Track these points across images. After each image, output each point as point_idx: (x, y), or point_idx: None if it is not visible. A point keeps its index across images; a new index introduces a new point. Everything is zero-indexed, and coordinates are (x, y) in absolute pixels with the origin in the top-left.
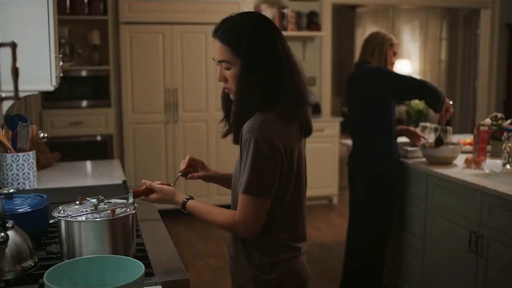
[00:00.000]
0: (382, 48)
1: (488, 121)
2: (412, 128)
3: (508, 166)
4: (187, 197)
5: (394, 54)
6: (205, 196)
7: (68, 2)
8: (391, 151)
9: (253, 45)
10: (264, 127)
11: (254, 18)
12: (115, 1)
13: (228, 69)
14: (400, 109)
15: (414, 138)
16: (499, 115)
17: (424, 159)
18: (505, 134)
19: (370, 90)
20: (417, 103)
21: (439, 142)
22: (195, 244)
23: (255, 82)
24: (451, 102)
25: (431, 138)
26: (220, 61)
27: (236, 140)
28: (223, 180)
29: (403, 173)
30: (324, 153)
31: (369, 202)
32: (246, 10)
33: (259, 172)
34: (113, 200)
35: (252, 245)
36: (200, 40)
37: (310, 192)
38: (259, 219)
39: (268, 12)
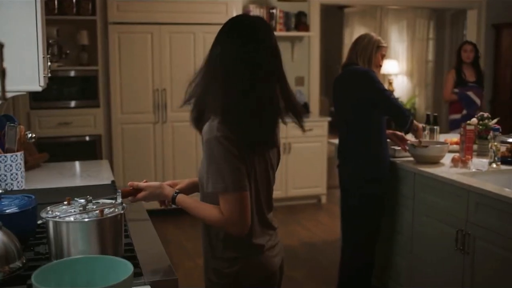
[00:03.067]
0: (367, 50)
1: (474, 120)
2: (398, 132)
3: (494, 165)
4: (176, 191)
5: (382, 57)
6: (194, 196)
7: (56, 2)
8: (383, 155)
9: (214, 49)
10: (220, 126)
11: (229, 22)
12: (104, 1)
13: None
14: None
15: (401, 142)
16: (485, 114)
17: (411, 159)
18: (491, 133)
19: (357, 92)
20: (405, 103)
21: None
22: (184, 244)
23: (208, 84)
24: (422, 125)
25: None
26: None
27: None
28: (191, 188)
29: (391, 173)
30: (313, 153)
31: (362, 206)
32: (234, 10)
33: (227, 169)
34: (101, 201)
35: (216, 239)
36: (188, 40)
37: (298, 191)
38: (244, 213)
39: (257, 12)
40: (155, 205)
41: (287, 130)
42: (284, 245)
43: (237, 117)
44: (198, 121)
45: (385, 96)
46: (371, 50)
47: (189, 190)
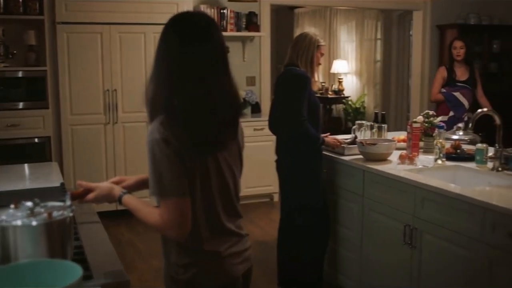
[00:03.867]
0: (309, 51)
1: (420, 118)
2: (327, 139)
3: (439, 161)
4: (124, 191)
5: (321, 55)
6: (146, 197)
7: (2, 1)
8: (316, 158)
9: (158, 49)
10: (161, 128)
11: (171, 20)
12: (52, 0)
13: None
14: (338, 107)
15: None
16: (431, 112)
17: (361, 156)
18: (436, 130)
19: (288, 94)
20: (354, 102)
21: (353, 143)
22: (137, 245)
23: (156, 84)
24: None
25: (366, 136)
26: None
27: None
28: (140, 185)
29: (341, 170)
30: (264, 152)
31: (303, 211)
32: (185, 10)
33: (166, 174)
34: (50, 203)
35: (171, 245)
36: (139, 40)
37: (251, 190)
38: (184, 219)
39: (208, 12)
40: (108, 207)
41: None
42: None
43: (180, 116)
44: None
45: (297, 110)
46: (312, 51)
47: (137, 187)
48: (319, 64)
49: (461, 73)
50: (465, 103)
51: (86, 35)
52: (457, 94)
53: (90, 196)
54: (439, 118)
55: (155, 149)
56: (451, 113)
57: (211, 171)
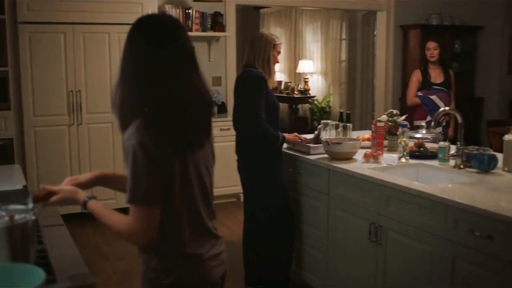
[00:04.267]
0: (265, 51)
1: (384, 117)
2: (288, 136)
3: (403, 159)
4: (88, 196)
5: (278, 53)
6: (112, 199)
7: None
8: (275, 158)
9: (125, 53)
10: (139, 133)
11: (136, 23)
12: (13, 0)
13: None
14: (304, 107)
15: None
16: (395, 111)
17: (326, 155)
18: (400, 129)
19: (245, 96)
20: (320, 102)
21: (317, 141)
22: (103, 248)
23: (124, 89)
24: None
25: (332, 135)
26: None
27: None
28: (93, 182)
29: (307, 169)
30: (231, 152)
31: (266, 211)
32: (150, 10)
33: (139, 180)
34: (11, 206)
35: (151, 250)
36: (103, 40)
37: (218, 190)
38: (151, 228)
39: (172, 12)
40: (73, 209)
41: None
42: None
43: (154, 120)
44: (124, 128)
45: (254, 111)
46: (268, 51)
47: (88, 184)
48: (277, 62)
49: (436, 75)
50: (442, 106)
51: (49, 35)
52: (433, 97)
53: (53, 199)
54: (403, 117)
55: (131, 155)
56: (429, 118)
57: (191, 171)
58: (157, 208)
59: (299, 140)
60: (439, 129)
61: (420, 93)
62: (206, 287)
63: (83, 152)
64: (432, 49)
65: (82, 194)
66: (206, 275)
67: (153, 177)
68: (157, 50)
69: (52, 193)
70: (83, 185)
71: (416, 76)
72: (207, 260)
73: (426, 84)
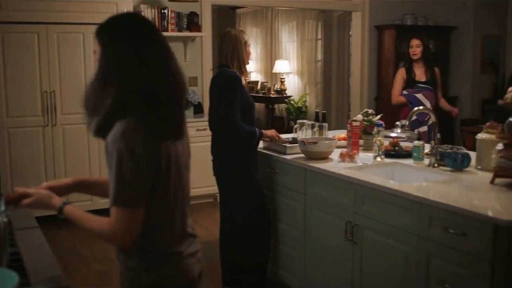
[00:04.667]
0: (239, 51)
1: (360, 116)
2: (265, 131)
3: (378, 159)
4: (64, 202)
5: (248, 53)
6: (88, 200)
7: None
8: (249, 158)
9: (102, 55)
10: (125, 136)
11: (107, 23)
12: None
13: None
14: (280, 107)
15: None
16: (370, 111)
17: (302, 155)
18: (375, 128)
19: (220, 97)
20: (296, 102)
21: (294, 141)
22: (80, 250)
23: (105, 90)
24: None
25: (308, 135)
26: (94, 51)
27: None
28: (70, 188)
29: (283, 169)
30: (207, 152)
31: (242, 211)
32: (125, 10)
33: (125, 184)
34: None
35: (132, 250)
36: (78, 40)
37: (195, 191)
38: (132, 230)
39: (148, 12)
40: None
41: None
42: None
43: (138, 120)
44: (101, 131)
45: (229, 110)
46: (242, 50)
47: (66, 190)
48: (249, 59)
49: (421, 74)
50: (428, 105)
51: (22, 35)
52: (419, 95)
53: (27, 201)
54: (378, 117)
55: (117, 158)
56: (414, 117)
57: (174, 165)
58: (141, 210)
59: (277, 136)
60: (424, 128)
61: (405, 92)
62: (186, 284)
63: (58, 153)
64: (415, 47)
65: (58, 200)
66: (185, 273)
67: (138, 180)
68: (138, 51)
69: (25, 196)
70: (61, 191)
71: (401, 75)
72: (185, 258)
73: (410, 83)
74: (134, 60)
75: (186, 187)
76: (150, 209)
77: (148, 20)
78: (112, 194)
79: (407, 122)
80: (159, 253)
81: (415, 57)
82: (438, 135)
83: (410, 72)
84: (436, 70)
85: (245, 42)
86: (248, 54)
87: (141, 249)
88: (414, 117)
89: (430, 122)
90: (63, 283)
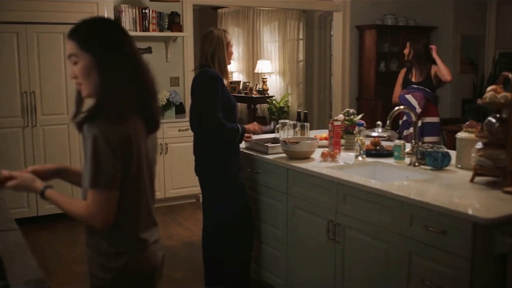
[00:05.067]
0: (221, 51)
1: (341, 116)
2: (247, 125)
3: (360, 158)
4: (46, 185)
5: (230, 54)
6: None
7: None
8: (230, 159)
9: (101, 49)
10: (101, 125)
11: (103, 23)
12: None
13: (75, 63)
14: (263, 107)
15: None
16: (351, 110)
17: (284, 155)
18: (356, 128)
19: (202, 97)
20: (279, 102)
21: (275, 141)
22: (60, 252)
23: (103, 83)
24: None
25: (289, 134)
26: (68, 56)
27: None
28: (53, 174)
29: (265, 169)
30: (189, 152)
31: (224, 212)
32: (105, 10)
33: (100, 166)
34: None
35: (101, 235)
36: (58, 40)
37: (177, 191)
38: (110, 210)
39: (129, 12)
40: (28, 213)
41: (163, 131)
42: (164, 246)
43: (114, 112)
44: (82, 124)
45: (211, 110)
46: (222, 51)
47: (49, 175)
48: (230, 63)
49: (418, 75)
50: (416, 105)
51: (1, 35)
52: (408, 96)
53: (11, 183)
54: (359, 116)
55: (96, 144)
56: (405, 118)
57: (144, 158)
58: (116, 192)
59: (259, 129)
60: (411, 130)
61: (402, 93)
62: (151, 269)
63: (38, 154)
64: (406, 48)
65: (40, 183)
66: (151, 258)
67: (113, 163)
68: (113, 54)
69: (10, 178)
70: (44, 175)
71: (401, 75)
72: (151, 245)
73: (406, 83)
74: (109, 66)
75: (154, 175)
76: (120, 197)
77: (119, 24)
78: (89, 178)
79: (388, 122)
80: (127, 239)
81: (405, 58)
82: None
83: (408, 73)
84: (432, 69)
85: (228, 43)
86: (230, 54)
87: (111, 235)
88: (404, 118)
89: (420, 124)
90: (44, 285)
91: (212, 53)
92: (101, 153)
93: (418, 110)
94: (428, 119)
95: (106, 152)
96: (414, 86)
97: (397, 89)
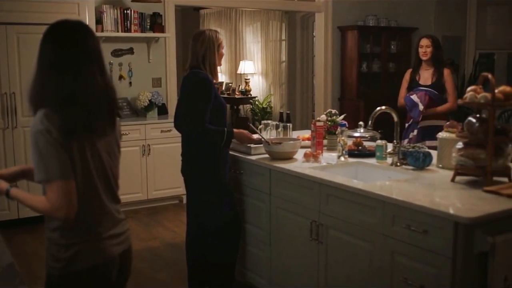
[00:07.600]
0: (211, 53)
1: (323, 117)
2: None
3: (342, 158)
4: (10, 185)
5: (221, 55)
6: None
7: None
8: (217, 159)
9: (39, 53)
10: (43, 119)
11: (50, 28)
12: None
13: None
14: (245, 108)
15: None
16: (333, 111)
17: (267, 155)
18: (338, 128)
19: (191, 99)
20: (261, 102)
21: (259, 142)
22: (42, 254)
23: (36, 84)
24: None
25: (272, 135)
26: None
27: None
28: (18, 175)
29: (248, 170)
30: (172, 153)
31: (210, 214)
32: (86, 10)
33: (47, 159)
34: None
35: (56, 227)
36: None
37: (159, 193)
38: (70, 200)
39: (110, 13)
40: (9, 215)
41: (146, 132)
42: (147, 247)
43: (57, 109)
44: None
45: (199, 114)
46: (213, 53)
47: (13, 177)
48: (220, 64)
49: (427, 77)
50: (420, 105)
51: None
52: (412, 96)
53: None
54: (341, 117)
55: (39, 139)
56: (411, 121)
57: (90, 156)
58: (72, 181)
59: (246, 139)
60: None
61: (408, 94)
62: (101, 261)
63: (18, 156)
64: (425, 47)
65: (5, 184)
66: (102, 251)
67: (60, 156)
68: (65, 53)
69: None
70: (8, 178)
71: (406, 77)
72: (105, 239)
73: (412, 85)
74: (58, 63)
75: (107, 173)
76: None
77: (84, 29)
78: (40, 173)
79: (370, 122)
80: (77, 231)
81: (424, 58)
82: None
83: (414, 75)
84: (445, 71)
85: (220, 44)
86: (221, 56)
87: (63, 226)
88: (411, 121)
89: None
90: (12, 268)
91: (203, 55)
92: (43, 146)
93: (421, 107)
94: (430, 123)
95: (46, 145)
96: (422, 88)
97: (402, 91)
